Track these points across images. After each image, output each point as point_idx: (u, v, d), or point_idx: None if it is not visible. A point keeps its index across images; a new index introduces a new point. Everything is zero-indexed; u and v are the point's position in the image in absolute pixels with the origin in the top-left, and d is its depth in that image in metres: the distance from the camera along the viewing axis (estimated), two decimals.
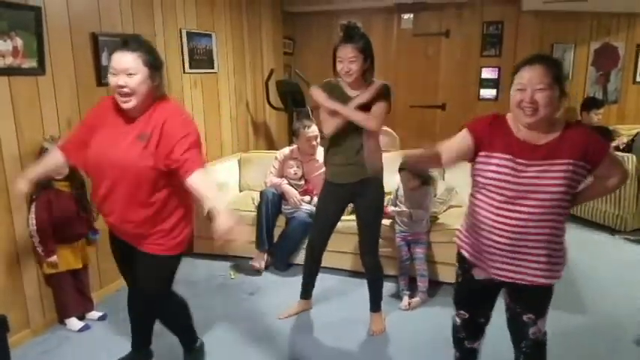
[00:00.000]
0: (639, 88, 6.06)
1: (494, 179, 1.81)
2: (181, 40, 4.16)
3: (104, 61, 3.29)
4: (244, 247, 3.93)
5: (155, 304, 2.42)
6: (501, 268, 1.87)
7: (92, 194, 2.26)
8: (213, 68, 4.60)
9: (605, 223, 4.77)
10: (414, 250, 3.29)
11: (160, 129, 2.05)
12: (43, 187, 2.82)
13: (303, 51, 6.40)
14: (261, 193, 3.94)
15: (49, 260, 2.86)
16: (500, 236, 1.83)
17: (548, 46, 5.66)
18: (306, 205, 3.88)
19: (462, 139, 1.92)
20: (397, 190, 3.37)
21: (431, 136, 5.97)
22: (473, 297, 2.09)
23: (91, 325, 3.07)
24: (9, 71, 2.72)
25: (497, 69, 5.73)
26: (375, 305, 3.03)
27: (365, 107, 2.65)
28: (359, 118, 2.62)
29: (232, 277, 3.83)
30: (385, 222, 3.52)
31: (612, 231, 4.68)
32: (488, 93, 5.86)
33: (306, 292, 3.21)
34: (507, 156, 1.79)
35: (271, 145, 5.72)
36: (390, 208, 3.34)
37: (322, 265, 3.55)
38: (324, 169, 3.98)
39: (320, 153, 4.07)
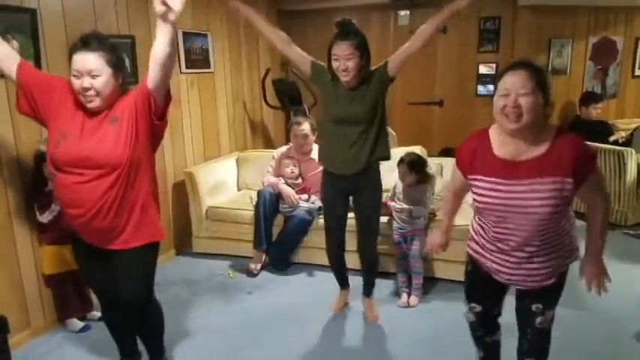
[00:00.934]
0: (638, 82, 6.05)
1: (484, 202, 1.84)
2: (177, 41, 4.15)
3: None
4: (244, 247, 3.96)
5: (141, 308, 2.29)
6: (510, 278, 1.92)
7: (57, 192, 2.15)
8: (209, 68, 4.61)
9: None
10: (409, 246, 3.30)
11: (133, 102, 2.02)
12: (38, 188, 2.83)
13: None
14: (259, 193, 3.94)
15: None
16: (502, 252, 1.87)
17: (545, 41, 5.65)
18: (304, 203, 3.89)
19: (455, 172, 2.03)
20: (395, 187, 3.38)
21: (429, 133, 5.97)
22: (483, 287, 2.09)
23: (92, 325, 3.08)
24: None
25: (494, 64, 5.72)
26: (367, 290, 3.10)
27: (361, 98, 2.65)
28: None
29: (231, 276, 3.84)
30: (383, 219, 3.53)
31: (612, 226, 4.68)
32: (485, 89, 5.85)
33: (342, 282, 3.22)
34: (490, 178, 1.80)
35: (269, 144, 5.72)
36: (391, 203, 3.35)
37: (317, 263, 3.59)
38: (321, 167, 4.02)
39: (316, 151, 4.08)
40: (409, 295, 3.30)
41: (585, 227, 1.87)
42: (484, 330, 2.18)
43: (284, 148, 4.20)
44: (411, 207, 3.23)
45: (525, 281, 1.89)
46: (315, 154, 4.07)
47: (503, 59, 5.60)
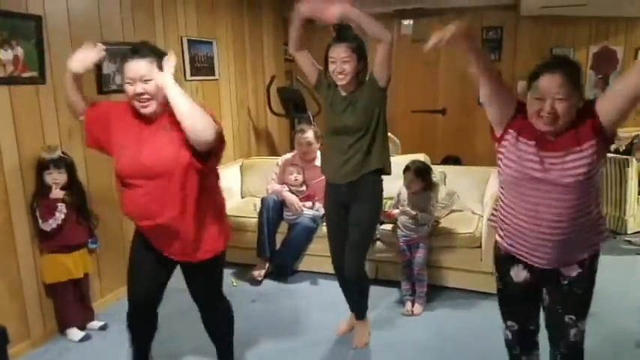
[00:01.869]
0: None
1: (517, 170, 1.80)
2: (182, 48, 4.16)
3: (105, 70, 3.30)
4: (247, 255, 3.93)
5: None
6: (545, 255, 1.85)
7: (126, 205, 2.14)
8: (214, 75, 4.61)
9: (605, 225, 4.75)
10: (414, 254, 3.28)
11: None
12: (42, 196, 2.82)
13: None
14: (263, 200, 3.93)
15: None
16: (533, 229, 1.82)
17: (547, 51, 5.66)
18: (308, 211, 3.87)
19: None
20: (399, 195, 3.36)
21: (433, 141, 5.97)
22: (517, 303, 2.04)
23: (92, 335, 3.05)
24: (10, 80, 2.73)
25: None
26: (363, 313, 2.93)
27: (355, 104, 2.61)
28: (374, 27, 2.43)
29: (234, 284, 3.81)
30: (387, 227, 3.51)
31: (613, 233, 4.66)
32: None
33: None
34: (530, 142, 1.78)
35: (273, 152, 5.72)
36: (395, 211, 3.33)
37: (321, 271, 3.54)
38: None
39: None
40: (413, 303, 3.28)
41: None
42: (521, 348, 2.10)
43: (288, 156, 4.19)
44: (418, 212, 3.21)
45: (561, 256, 1.83)
46: (319, 161, 4.05)
47: (505, 68, 5.61)
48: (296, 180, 3.96)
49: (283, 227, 3.93)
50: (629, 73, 1.69)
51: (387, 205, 3.50)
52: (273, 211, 3.87)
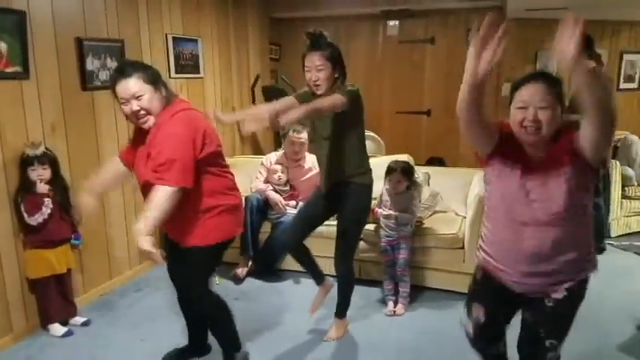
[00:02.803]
0: (623, 95, 6.15)
1: (500, 192, 1.81)
2: (167, 45, 4.15)
3: (89, 66, 3.29)
4: (230, 253, 3.94)
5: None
6: (527, 282, 1.83)
7: None
8: (199, 73, 4.60)
9: None
10: (396, 255, 3.31)
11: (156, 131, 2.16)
12: (26, 191, 2.81)
13: (289, 57, 6.41)
14: (246, 199, 3.92)
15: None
16: (517, 252, 1.81)
17: (532, 53, 5.74)
18: (292, 210, 3.89)
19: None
20: (382, 195, 3.39)
21: (417, 142, 6.01)
22: (493, 293, 1.96)
23: (75, 330, 3.04)
24: None
25: None
26: (341, 311, 2.97)
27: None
28: (317, 106, 2.40)
29: (218, 282, 3.81)
30: (370, 227, 3.54)
31: None
32: None
33: (318, 277, 3.04)
34: (514, 164, 1.77)
35: (258, 151, 5.72)
36: (379, 210, 3.36)
37: (303, 269, 3.53)
38: (310, 174, 4.03)
39: (308, 159, 4.09)
40: (395, 303, 3.31)
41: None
42: (483, 340, 2.06)
43: (273, 155, 4.20)
44: (397, 213, 3.25)
45: (544, 285, 1.80)
46: (306, 161, 4.08)
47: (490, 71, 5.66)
48: (280, 179, 3.98)
49: (267, 226, 3.94)
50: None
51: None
52: (257, 210, 3.88)
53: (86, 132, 3.34)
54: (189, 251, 2.32)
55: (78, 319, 3.11)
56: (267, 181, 4.05)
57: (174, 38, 4.21)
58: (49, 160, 2.89)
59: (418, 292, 3.50)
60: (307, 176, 4.08)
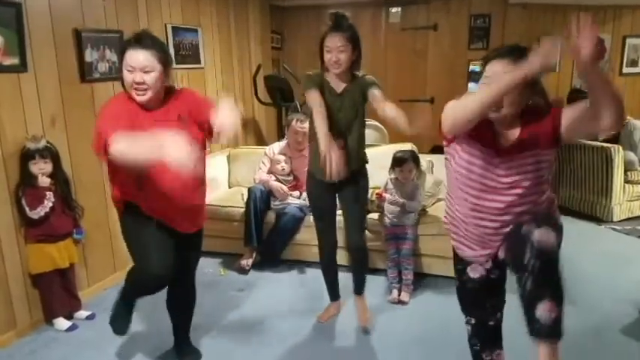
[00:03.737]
0: (626, 80, 6.10)
1: (471, 172, 1.82)
2: (167, 36, 4.11)
3: (88, 58, 3.26)
4: (234, 245, 3.93)
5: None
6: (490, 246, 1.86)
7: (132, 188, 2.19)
8: (199, 63, 4.56)
9: (592, 213, 4.82)
10: (401, 244, 3.29)
11: (191, 105, 2.21)
12: (28, 185, 2.79)
13: (291, 45, 6.37)
14: (249, 190, 3.91)
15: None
16: (479, 226, 1.85)
17: (535, 39, 5.65)
18: (296, 200, 3.86)
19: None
20: (386, 184, 3.37)
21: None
22: (475, 298, 2.03)
23: (79, 324, 3.04)
24: None
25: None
26: (361, 287, 3.02)
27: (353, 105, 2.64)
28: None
29: (222, 273, 3.81)
30: (374, 215, 3.52)
31: (599, 221, 4.72)
32: (477, 86, 5.87)
33: (335, 294, 3.12)
34: (484, 148, 1.79)
35: (260, 141, 5.69)
36: (386, 194, 3.32)
37: (308, 260, 3.55)
38: None
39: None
40: (400, 290, 3.29)
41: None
42: (481, 344, 2.07)
43: (276, 145, 4.16)
44: (404, 200, 3.22)
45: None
46: (307, 150, 4.04)
47: None
48: (283, 169, 3.95)
49: (270, 217, 3.92)
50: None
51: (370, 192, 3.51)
52: (261, 200, 3.86)
53: (86, 124, 3.29)
54: (200, 232, 2.45)
55: (82, 313, 3.11)
56: (270, 172, 4.02)
57: (173, 28, 4.17)
58: (51, 153, 2.86)
59: (422, 280, 3.49)
60: None
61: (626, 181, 4.70)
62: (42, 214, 2.79)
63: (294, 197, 3.90)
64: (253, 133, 5.66)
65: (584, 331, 2.85)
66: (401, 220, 3.27)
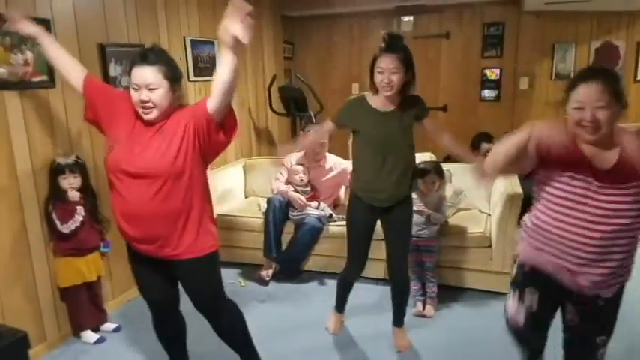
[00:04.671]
0: None
1: (564, 198, 1.80)
2: (185, 48, 4.16)
3: (112, 72, 3.30)
4: (253, 255, 3.95)
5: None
6: (576, 276, 1.83)
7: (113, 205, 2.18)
8: None
9: None
10: (424, 257, 3.30)
11: (189, 117, 2.08)
12: (58, 199, 2.82)
13: (302, 55, 6.41)
14: (268, 201, 3.93)
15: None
16: (571, 245, 1.81)
17: (549, 46, 5.70)
18: (314, 211, 3.88)
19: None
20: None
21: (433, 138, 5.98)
22: (544, 281, 1.92)
23: (106, 336, 3.07)
24: (21, 85, 2.72)
25: (498, 70, 5.76)
26: (400, 319, 2.95)
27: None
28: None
29: (242, 284, 3.83)
30: None
31: None
32: (489, 94, 5.89)
33: (343, 306, 3.12)
34: (578, 175, 1.76)
35: (274, 151, 5.72)
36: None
37: (327, 270, 3.52)
38: (330, 175, 4.03)
39: (329, 160, 4.08)
40: (424, 303, 3.29)
41: None
42: (530, 331, 2.05)
43: (294, 156, 4.18)
44: (431, 212, 3.22)
45: (592, 281, 1.79)
46: (325, 161, 4.07)
47: (507, 64, 5.64)
48: (301, 180, 3.97)
49: (289, 227, 3.94)
50: None
51: None
52: (279, 211, 3.88)
53: None
54: (190, 265, 2.28)
55: (109, 326, 3.14)
56: (287, 182, 4.04)
57: (192, 41, 4.21)
58: (80, 168, 2.90)
59: (445, 292, 3.48)
60: (328, 177, 4.08)
61: None
62: (73, 228, 2.83)
63: (312, 208, 3.91)
64: (267, 143, 5.68)
65: (613, 344, 2.79)
66: (424, 232, 3.27)
